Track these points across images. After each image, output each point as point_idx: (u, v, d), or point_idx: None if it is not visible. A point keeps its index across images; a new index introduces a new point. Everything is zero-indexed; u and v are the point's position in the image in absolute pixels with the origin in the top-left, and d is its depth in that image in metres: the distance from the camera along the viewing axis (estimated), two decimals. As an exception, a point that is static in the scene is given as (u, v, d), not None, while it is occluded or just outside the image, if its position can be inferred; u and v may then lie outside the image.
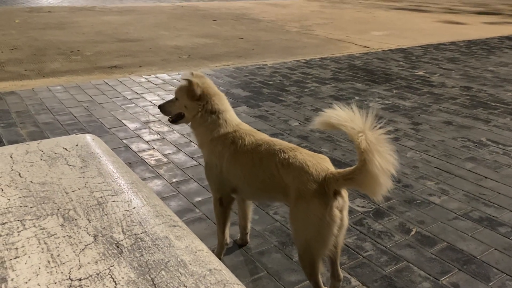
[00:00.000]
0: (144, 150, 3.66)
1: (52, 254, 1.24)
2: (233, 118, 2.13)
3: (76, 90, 5.23)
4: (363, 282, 2.20)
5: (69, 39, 8.35)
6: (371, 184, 1.64)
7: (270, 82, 5.85)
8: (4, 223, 1.37)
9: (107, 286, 1.13)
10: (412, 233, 2.62)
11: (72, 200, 1.52)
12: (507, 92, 5.66)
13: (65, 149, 1.92)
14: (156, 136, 3.97)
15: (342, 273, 2.07)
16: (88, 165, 1.79)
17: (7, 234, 1.32)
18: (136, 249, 1.28)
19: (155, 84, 5.61)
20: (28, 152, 1.87)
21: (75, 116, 4.38)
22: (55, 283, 1.13)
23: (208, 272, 1.21)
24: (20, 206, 1.46)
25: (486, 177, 3.32)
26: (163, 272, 1.19)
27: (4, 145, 3.60)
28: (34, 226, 1.36)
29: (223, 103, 2.13)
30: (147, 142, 3.84)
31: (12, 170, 1.71)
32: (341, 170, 1.76)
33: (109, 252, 1.26)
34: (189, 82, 2.08)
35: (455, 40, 9.52)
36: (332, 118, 1.68)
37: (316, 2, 17.74)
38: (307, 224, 1.78)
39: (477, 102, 5.20)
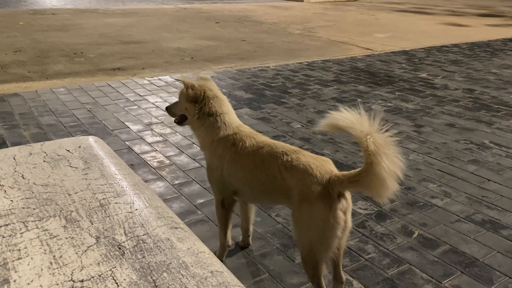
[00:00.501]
0: (146, 152, 3.67)
1: (54, 256, 1.24)
2: (233, 120, 2.13)
3: (79, 92, 5.24)
4: (365, 285, 2.19)
5: (72, 41, 8.38)
6: (377, 187, 1.63)
7: (272, 84, 5.86)
8: (7, 225, 1.38)
9: (109, 288, 1.13)
10: (415, 235, 2.61)
11: (74, 202, 1.52)
12: (510, 94, 5.65)
13: (68, 151, 1.93)
14: (158, 138, 3.98)
15: (344, 276, 2.07)
16: (91, 167, 1.79)
17: (9, 236, 1.32)
18: (138, 250, 1.28)
19: (158, 86, 5.62)
20: (31, 153, 1.88)
21: (78, 118, 4.39)
22: (57, 284, 1.14)
23: (210, 274, 1.21)
24: (23, 208, 1.47)
25: (489, 180, 3.31)
26: (165, 274, 1.19)
27: (7, 146, 3.61)
28: (37, 227, 1.37)
29: (222, 106, 2.13)
30: (149, 144, 3.85)
31: (15, 171, 1.72)
32: (346, 172, 1.76)
33: (111, 253, 1.26)
34: (183, 84, 2.10)
35: (458, 42, 9.51)
36: (339, 120, 1.67)
37: (318, 5, 17.76)
38: (311, 226, 1.77)
39: (480, 104, 5.19)
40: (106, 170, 1.77)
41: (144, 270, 1.20)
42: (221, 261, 2.05)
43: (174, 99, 4.96)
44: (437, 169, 3.47)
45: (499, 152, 3.82)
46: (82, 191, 1.60)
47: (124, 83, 5.70)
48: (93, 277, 1.17)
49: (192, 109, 2.12)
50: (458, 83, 6.17)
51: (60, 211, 1.46)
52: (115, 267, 1.21)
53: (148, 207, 1.52)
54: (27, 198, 1.53)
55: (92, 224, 1.40)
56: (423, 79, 6.32)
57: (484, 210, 2.89)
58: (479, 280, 2.24)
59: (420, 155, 3.74)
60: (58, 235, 1.33)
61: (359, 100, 5.26)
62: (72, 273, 1.18)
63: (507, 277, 2.26)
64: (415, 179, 3.29)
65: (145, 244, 1.31)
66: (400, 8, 16.85)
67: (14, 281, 1.14)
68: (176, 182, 3.17)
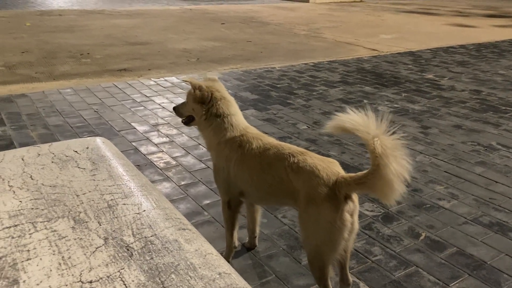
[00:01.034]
0: (153, 153, 3.68)
1: (63, 257, 1.25)
2: (240, 122, 2.13)
3: (86, 93, 5.27)
4: (372, 287, 2.18)
5: (79, 42, 8.42)
6: (384, 189, 1.63)
7: (278, 85, 5.85)
8: (16, 225, 1.38)
9: (117, 289, 1.14)
10: (422, 237, 2.60)
11: (82, 203, 1.53)
12: (517, 95, 5.62)
13: (76, 151, 1.94)
14: (165, 139, 3.99)
15: (351, 278, 2.06)
16: (99, 167, 1.80)
17: (19, 236, 1.33)
18: (146, 252, 1.29)
19: (164, 87, 5.64)
20: (39, 154, 1.89)
21: (84, 119, 4.41)
22: (66, 285, 1.14)
23: (218, 276, 1.21)
24: (32, 208, 1.48)
25: (496, 182, 3.29)
26: (173, 276, 1.19)
27: (15, 147, 3.64)
28: (46, 228, 1.38)
29: (230, 107, 2.13)
30: (156, 144, 3.86)
31: (24, 172, 1.73)
32: (353, 174, 1.75)
33: (119, 255, 1.27)
34: (191, 85, 2.10)
35: (465, 43, 9.47)
36: (346, 122, 1.67)
37: (324, 6, 17.74)
38: (317, 228, 1.77)
39: (487, 105, 5.17)
40: (114, 171, 1.77)
41: (152, 271, 1.21)
42: (228, 262, 2.05)
43: (180, 100, 4.98)
44: (444, 171, 3.45)
45: (507, 154, 3.79)
46: (90, 192, 1.60)
47: (130, 84, 5.72)
48: (101, 278, 1.17)
49: (199, 110, 2.12)
50: (465, 84, 6.14)
51: (69, 212, 1.47)
52: (123, 268, 1.21)
53: (156, 208, 1.52)
54: (36, 199, 1.54)
55: (100, 225, 1.40)
56: (429, 80, 6.30)
57: (491, 212, 2.87)
58: (487, 283, 2.22)
59: (427, 156, 3.72)
60: (67, 236, 1.34)
61: (365, 101, 5.25)
62: (81, 274, 1.19)
63: (515, 280, 2.25)
64: (421, 181, 3.28)
65: (153, 246, 1.32)
66: (406, 9, 16.80)
67: (24, 281, 1.15)
68: (183, 183, 3.18)
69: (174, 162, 3.51)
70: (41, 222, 1.41)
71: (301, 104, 5.08)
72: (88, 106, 4.81)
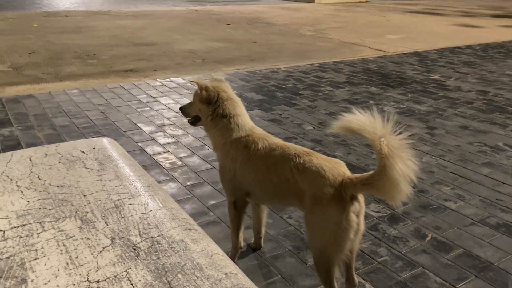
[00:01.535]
0: (159, 153, 3.69)
1: (70, 256, 1.26)
2: (246, 122, 2.13)
3: (92, 94, 5.30)
4: (378, 288, 2.18)
5: (85, 43, 8.47)
6: (390, 190, 1.62)
7: (283, 86, 5.85)
8: (24, 225, 1.40)
9: (124, 289, 1.14)
10: (428, 238, 2.59)
11: (89, 203, 1.54)
12: (524, 96, 5.58)
13: (83, 152, 1.95)
14: (170, 140, 4.00)
15: (357, 278, 2.06)
16: (105, 168, 1.81)
17: (27, 236, 1.34)
18: (153, 252, 1.29)
19: (170, 88, 5.66)
20: (46, 155, 1.90)
21: (91, 119, 4.43)
22: (74, 285, 1.15)
23: (224, 276, 1.21)
24: (39, 208, 1.49)
25: (503, 183, 3.27)
26: (179, 275, 1.20)
27: (22, 147, 3.66)
28: (53, 228, 1.39)
29: (236, 108, 2.13)
30: (162, 145, 3.87)
31: (32, 172, 1.74)
32: (359, 175, 1.75)
33: (126, 254, 1.27)
34: (197, 85, 2.11)
35: (471, 44, 9.42)
36: (352, 123, 1.67)
37: (330, 6, 17.72)
38: (323, 229, 1.77)
39: (494, 106, 5.14)
40: (121, 171, 1.78)
41: (159, 271, 1.21)
42: (234, 262, 2.05)
43: (186, 100, 4.99)
44: (451, 172, 3.44)
45: (514, 155, 3.77)
46: (97, 192, 1.61)
47: (136, 85, 5.75)
48: (108, 278, 1.18)
49: (205, 110, 2.13)
50: (471, 84, 6.10)
51: (76, 212, 1.48)
52: (130, 268, 1.22)
53: (162, 208, 1.53)
54: (43, 199, 1.55)
55: (107, 225, 1.41)
56: (435, 81, 6.27)
57: (498, 214, 2.85)
58: (494, 285, 2.21)
59: (433, 157, 3.71)
60: (74, 236, 1.35)
61: (371, 102, 5.23)
62: (88, 273, 1.19)
63: (523, 282, 2.23)
64: (428, 182, 3.27)
65: (160, 245, 1.32)
66: (412, 9, 16.74)
67: (32, 281, 1.16)
68: (188, 183, 3.19)
69: (180, 163, 3.52)
70: (48, 222, 1.42)
71: (307, 105, 5.07)
72: (94, 106, 4.84)
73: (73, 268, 1.21)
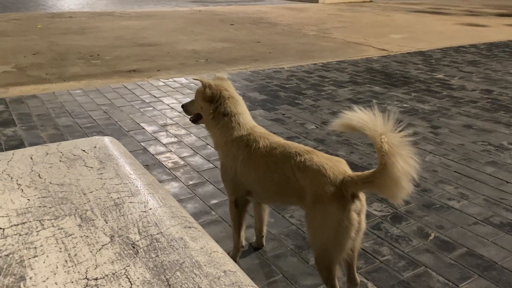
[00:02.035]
0: (161, 153, 3.69)
1: (69, 254, 1.26)
2: (247, 121, 2.12)
3: (95, 94, 5.31)
4: (380, 287, 2.17)
5: (89, 43, 8.49)
6: (392, 188, 1.61)
7: (287, 86, 5.85)
8: (23, 223, 1.40)
9: (122, 286, 1.14)
10: (431, 238, 2.57)
11: (89, 201, 1.54)
12: (529, 95, 5.54)
13: (84, 151, 1.95)
14: (173, 139, 4.00)
15: (359, 278, 2.05)
16: (106, 166, 1.81)
17: (26, 234, 1.34)
18: (152, 249, 1.29)
19: (173, 88, 5.66)
20: (47, 153, 1.90)
21: (94, 119, 4.44)
22: (72, 282, 1.15)
23: (223, 274, 1.21)
24: (39, 206, 1.49)
25: (507, 182, 3.25)
26: (178, 273, 1.19)
27: (25, 147, 3.67)
28: (53, 226, 1.39)
29: (237, 106, 2.13)
30: (164, 145, 3.87)
31: (32, 171, 1.74)
32: (360, 173, 1.74)
33: (125, 252, 1.27)
34: (201, 83, 2.11)
35: (476, 43, 9.37)
36: (353, 120, 1.66)
37: (333, 6, 17.69)
38: (324, 227, 1.76)
39: (498, 105, 5.10)
40: (121, 170, 1.78)
41: (158, 269, 1.21)
42: (235, 261, 2.05)
43: (189, 100, 4.99)
44: (454, 171, 3.42)
45: (518, 154, 3.74)
46: (97, 190, 1.61)
47: (139, 85, 5.76)
48: (107, 275, 1.18)
49: (207, 108, 2.12)
50: (475, 84, 6.07)
51: (76, 210, 1.48)
52: (129, 266, 1.22)
53: (162, 207, 1.53)
54: (44, 197, 1.55)
55: (106, 223, 1.41)
56: (439, 80, 6.24)
57: (502, 213, 2.83)
58: (497, 284, 2.19)
59: (437, 156, 3.69)
60: (73, 234, 1.35)
61: (374, 101, 5.21)
62: (87, 271, 1.19)
63: (527, 281, 2.21)
64: (431, 181, 3.25)
65: (159, 243, 1.32)
66: (416, 9, 16.68)
67: (30, 278, 1.16)
68: (191, 182, 3.19)
69: (182, 162, 3.52)
70: (48, 220, 1.42)
71: (310, 104, 5.06)
72: (98, 106, 4.85)
73: (72, 266, 1.21)
